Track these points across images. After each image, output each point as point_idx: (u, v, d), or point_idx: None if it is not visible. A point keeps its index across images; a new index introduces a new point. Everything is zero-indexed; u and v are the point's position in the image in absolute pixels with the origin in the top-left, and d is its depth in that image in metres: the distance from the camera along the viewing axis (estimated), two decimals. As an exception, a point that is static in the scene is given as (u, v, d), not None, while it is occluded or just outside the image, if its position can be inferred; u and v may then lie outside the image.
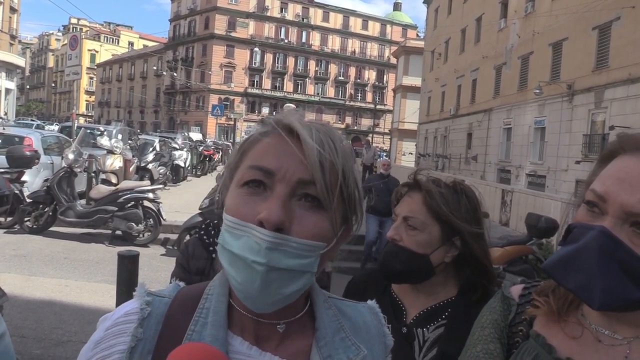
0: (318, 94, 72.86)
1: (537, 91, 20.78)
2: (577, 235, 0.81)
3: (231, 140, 32.29)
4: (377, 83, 76.34)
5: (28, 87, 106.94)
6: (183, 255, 1.94)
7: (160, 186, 10.32)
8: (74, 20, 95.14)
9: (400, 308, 1.46)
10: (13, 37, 48.74)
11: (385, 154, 44.72)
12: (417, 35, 66.08)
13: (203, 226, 2.06)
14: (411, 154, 43.20)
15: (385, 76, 76.03)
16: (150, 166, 14.28)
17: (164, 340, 0.73)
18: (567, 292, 0.89)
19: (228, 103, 61.49)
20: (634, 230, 0.76)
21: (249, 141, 0.77)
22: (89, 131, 14.24)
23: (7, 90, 44.24)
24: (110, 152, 11.64)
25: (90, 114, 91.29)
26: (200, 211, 7.71)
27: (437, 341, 1.38)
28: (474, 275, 1.43)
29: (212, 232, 1.94)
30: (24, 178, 9.34)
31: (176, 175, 16.69)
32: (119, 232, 8.74)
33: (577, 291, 0.79)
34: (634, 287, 0.75)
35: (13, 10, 47.74)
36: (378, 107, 65.14)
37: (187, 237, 7.81)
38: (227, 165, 0.80)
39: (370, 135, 55.38)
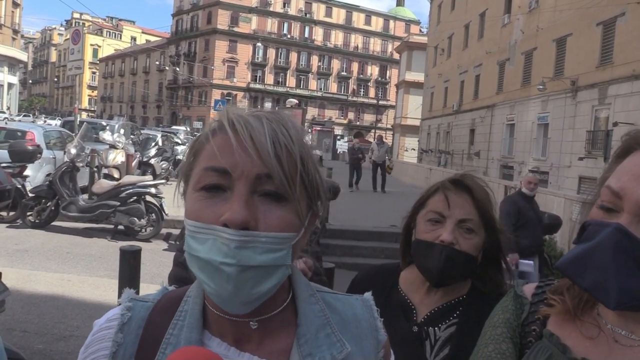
0: (321, 89, 72.78)
1: (541, 87, 20.70)
2: (592, 232, 0.78)
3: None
4: (379, 78, 76.21)
5: (30, 81, 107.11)
6: (182, 254, 1.92)
7: (163, 181, 10.31)
8: (76, 15, 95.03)
9: (409, 307, 1.44)
10: (15, 32, 48.75)
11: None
12: (420, 30, 65.97)
13: None
14: (414, 149, 43.12)
15: (388, 72, 75.88)
16: (152, 161, 14.29)
17: (145, 344, 0.74)
18: (582, 291, 0.87)
19: (230, 98, 61.47)
20: None
21: (199, 141, 0.74)
22: (91, 126, 14.22)
23: (10, 85, 44.31)
24: (113, 146, 11.65)
25: (92, 109, 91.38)
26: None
27: (449, 340, 1.36)
28: (487, 268, 1.43)
29: None
30: (26, 172, 9.35)
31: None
32: (121, 227, 8.74)
33: (592, 290, 0.77)
34: None
35: (15, 4, 47.71)
36: (381, 102, 65.04)
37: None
38: (180, 169, 0.77)
39: (373, 130, 55.33)
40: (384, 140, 18.69)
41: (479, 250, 1.38)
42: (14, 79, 45.42)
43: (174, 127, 38.17)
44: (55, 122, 29.36)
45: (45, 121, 33.85)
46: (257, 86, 67.98)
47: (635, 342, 0.81)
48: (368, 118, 71.92)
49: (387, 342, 0.85)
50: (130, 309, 0.76)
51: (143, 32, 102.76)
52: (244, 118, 0.71)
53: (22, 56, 47.51)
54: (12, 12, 46.70)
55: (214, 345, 0.74)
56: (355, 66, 75.17)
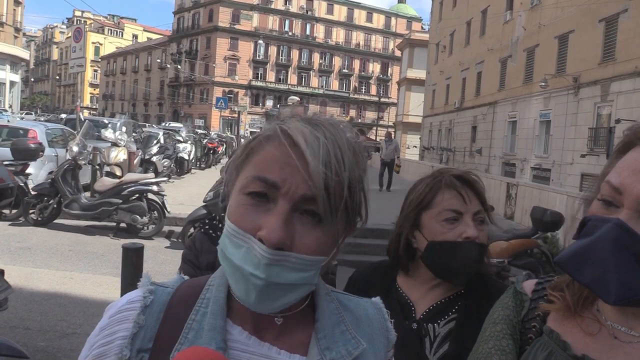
0: (322, 86, 72.70)
1: (543, 84, 20.66)
2: (591, 228, 0.78)
3: (235, 133, 32.24)
4: (381, 76, 76.10)
5: (32, 79, 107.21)
6: (191, 252, 1.92)
7: (165, 179, 10.34)
8: (78, 13, 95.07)
9: (408, 304, 1.43)
10: (17, 30, 48.78)
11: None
12: (422, 27, 65.86)
13: (207, 221, 2.04)
14: (415, 147, 43.12)
15: (389, 69, 75.77)
16: (154, 159, 14.29)
17: (165, 329, 0.74)
18: (582, 287, 0.87)
19: (232, 96, 61.47)
20: None
21: (254, 142, 0.75)
22: (93, 124, 14.24)
23: (12, 83, 44.37)
24: (115, 144, 11.66)
25: (94, 107, 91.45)
26: (204, 204, 7.71)
27: (449, 336, 1.35)
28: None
29: (220, 226, 1.91)
30: (28, 170, 9.36)
31: (180, 167, 16.71)
32: (123, 225, 8.75)
33: (591, 285, 0.76)
34: None
35: (17, 2, 47.72)
36: (382, 100, 64.98)
37: (192, 230, 7.82)
38: (233, 162, 0.78)
39: (375, 128, 55.28)
40: (393, 137, 17.59)
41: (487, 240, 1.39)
42: (16, 77, 45.46)
43: (171, 124, 37.91)
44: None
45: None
46: (259, 84, 67.94)
47: (635, 339, 0.80)
48: (370, 115, 71.85)
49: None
50: (152, 292, 0.78)
51: (144, 30, 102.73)
52: (302, 132, 0.70)
53: (24, 54, 47.56)
54: (14, 10, 46.71)
55: (235, 332, 0.75)
56: (356, 63, 75.06)
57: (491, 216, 1.44)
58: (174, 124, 37.11)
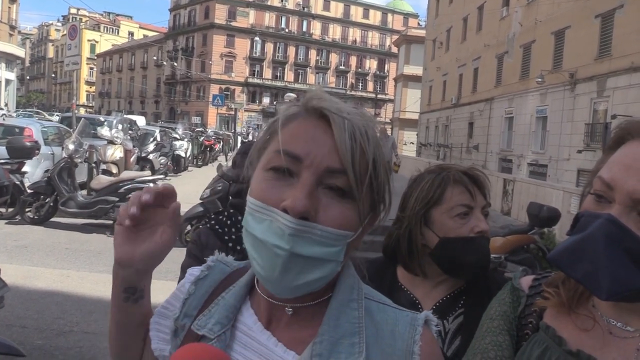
0: (319, 83, 72.47)
1: (539, 80, 20.68)
2: (584, 224, 0.79)
3: (232, 131, 32.17)
4: (378, 72, 76.07)
5: (28, 77, 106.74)
6: (196, 246, 1.92)
7: (161, 176, 10.30)
8: (73, 10, 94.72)
9: (414, 302, 1.42)
10: (12, 28, 48.56)
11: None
12: (419, 24, 65.73)
13: (213, 215, 2.03)
14: (412, 143, 43.10)
15: (386, 65, 75.73)
16: (151, 156, 14.27)
17: (209, 302, 0.81)
18: (577, 284, 0.87)
19: (229, 93, 61.36)
20: None
21: (276, 123, 0.75)
22: (89, 122, 14.20)
23: (7, 81, 44.18)
24: (111, 142, 11.63)
25: (90, 105, 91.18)
26: (201, 201, 7.70)
27: (459, 331, 1.35)
28: None
29: (228, 222, 1.90)
30: (24, 169, 9.32)
31: (177, 165, 16.69)
32: (120, 223, 8.72)
33: (584, 281, 0.77)
34: None
35: (12, 0, 47.49)
36: (379, 96, 64.99)
37: (189, 227, 7.81)
38: (255, 145, 0.78)
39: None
40: (388, 133, 16.30)
41: None
42: (12, 75, 45.28)
43: (160, 122, 37.43)
44: (54, 118, 29.29)
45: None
46: (255, 81, 67.84)
47: (630, 334, 0.81)
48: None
49: None
50: (210, 268, 0.86)
51: (140, 27, 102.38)
52: (325, 109, 0.71)
53: (20, 52, 47.36)
54: (9, 7, 46.50)
55: (247, 315, 0.79)
56: (353, 60, 75.02)
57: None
58: (164, 123, 36.76)
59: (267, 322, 0.77)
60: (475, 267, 1.35)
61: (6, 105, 34.93)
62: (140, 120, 28.61)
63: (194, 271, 0.86)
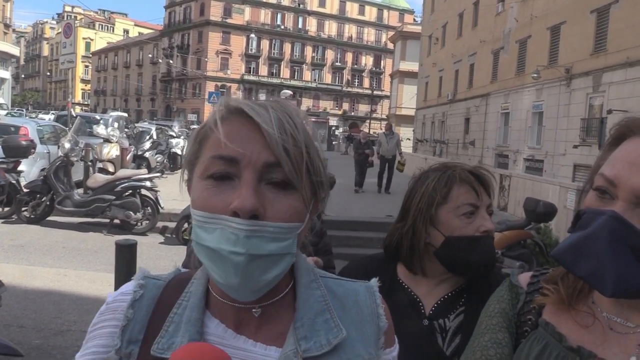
0: (315, 80, 72.57)
1: (535, 75, 20.69)
2: (587, 221, 0.78)
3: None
4: (374, 68, 76.02)
5: (23, 76, 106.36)
6: (190, 259, 1.92)
7: (158, 174, 10.28)
8: (68, 8, 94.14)
9: (415, 300, 1.42)
10: (7, 26, 48.34)
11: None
12: (414, 20, 65.78)
13: None
14: (409, 139, 43.12)
15: (382, 62, 75.69)
16: (147, 154, 14.24)
17: (154, 322, 0.76)
18: (576, 280, 0.87)
19: (225, 90, 61.25)
20: None
21: (204, 129, 0.75)
22: (85, 120, 14.15)
23: (2, 80, 44.01)
24: (107, 140, 11.60)
25: (86, 103, 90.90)
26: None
27: (459, 329, 1.35)
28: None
29: None
30: (20, 168, 9.30)
31: (173, 163, 16.66)
32: (117, 221, 8.73)
33: (588, 278, 0.76)
34: None
35: (6, -2, 47.21)
36: (375, 92, 64.94)
37: (186, 225, 7.81)
38: (186, 158, 0.78)
39: (368, 121, 55.24)
40: (394, 130, 15.15)
41: None
42: (7, 74, 45.11)
43: (146, 121, 36.83)
44: (49, 117, 29.19)
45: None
46: (251, 78, 67.72)
47: (630, 329, 0.81)
48: (363, 108, 71.80)
49: (390, 329, 0.84)
50: (143, 286, 0.79)
51: (135, 25, 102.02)
52: (249, 106, 0.71)
53: (14, 50, 47.19)
54: (3, 5, 46.28)
55: (212, 325, 0.76)
56: (349, 56, 74.93)
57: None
58: (155, 121, 36.24)
59: (236, 327, 0.76)
60: (480, 266, 1.35)
61: (1, 104, 34.73)
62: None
63: (125, 290, 0.80)
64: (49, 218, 8.94)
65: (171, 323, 0.75)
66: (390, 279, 1.46)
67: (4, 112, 31.57)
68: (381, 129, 51.98)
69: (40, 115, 33.74)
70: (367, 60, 76.13)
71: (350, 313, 0.80)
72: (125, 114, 30.55)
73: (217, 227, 0.68)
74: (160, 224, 8.94)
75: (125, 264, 3.40)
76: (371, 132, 37.10)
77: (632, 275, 0.72)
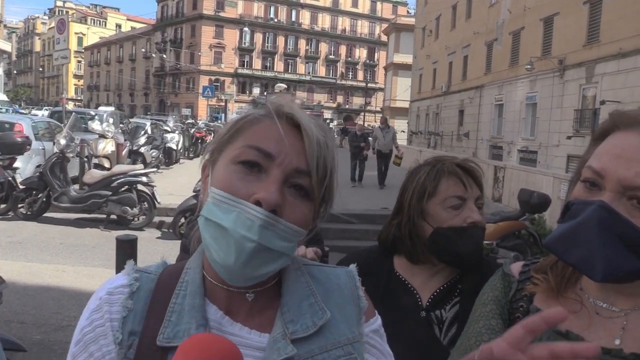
0: (309, 73, 72.40)
1: (529, 67, 20.76)
2: (576, 211, 0.83)
3: (222, 122, 32.02)
4: (368, 61, 75.90)
5: (15, 72, 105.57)
6: (190, 240, 1.94)
7: (154, 169, 10.31)
8: (59, 3, 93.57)
9: (412, 292, 1.45)
10: (-2, 21, 47.85)
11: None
12: (408, 12, 65.65)
13: None
14: (403, 131, 43.15)
15: (376, 54, 75.57)
16: (142, 149, 14.22)
17: (153, 313, 0.78)
18: (564, 269, 0.92)
19: (218, 84, 61.05)
20: (632, 204, 0.78)
21: (246, 120, 0.79)
22: (79, 116, 14.13)
23: (-6, 76, 43.58)
24: (102, 136, 11.58)
25: (79, 98, 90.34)
26: (194, 193, 7.72)
27: (455, 319, 1.39)
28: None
29: None
30: (15, 164, 9.29)
31: (169, 158, 16.64)
32: (113, 217, 8.74)
33: (579, 265, 0.81)
34: (634, 258, 0.77)
35: (-3, -7, 46.78)
36: (369, 85, 64.87)
37: (182, 220, 7.84)
38: (218, 139, 0.81)
39: (362, 113, 55.22)
40: (390, 124, 14.84)
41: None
42: (-2, 70, 44.67)
43: (150, 114, 36.62)
44: (42, 113, 29.01)
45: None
46: (245, 71, 67.50)
47: (615, 314, 0.85)
48: (357, 101, 71.73)
49: (370, 307, 0.89)
50: (138, 279, 0.81)
51: (128, 19, 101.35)
52: (297, 116, 0.77)
53: (6, 46, 46.75)
54: (-6, 1, 45.80)
55: (211, 311, 0.78)
56: (343, 49, 74.76)
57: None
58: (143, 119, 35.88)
59: (230, 313, 0.79)
60: (467, 257, 1.38)
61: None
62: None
63: (120, 283, 0.80)
64: (46, 214, 8.94)
65: (173, 312, 0.76)
66: (388, 271, 1.50)
67: (10, 108, 31.36)
68: (376, 121, 51.70)
69: (34, 112, 33.56)
70: (360, 53, 75.99)
71: (333, 296, 0.85)
72: (112, 109, 30.39)
73: (235, 209, 0.72)
74: (157, 219, 8.96)
75: (125, 259, 3.42)
76: (365, 125, 37.04)
77: (620, 260, 0.77)
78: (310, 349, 0.77)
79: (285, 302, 0.80)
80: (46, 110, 31.53)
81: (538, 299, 0.94)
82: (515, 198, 7.85)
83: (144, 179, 8.75)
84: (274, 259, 0.74)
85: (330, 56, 73.63)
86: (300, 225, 0.76)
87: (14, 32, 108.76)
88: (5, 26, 65.43)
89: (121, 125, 16.34)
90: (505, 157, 23.61)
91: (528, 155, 22.02)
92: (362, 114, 55.95)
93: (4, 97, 38.46)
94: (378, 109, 60.82)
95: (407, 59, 44.27)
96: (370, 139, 14.14)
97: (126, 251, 3.41)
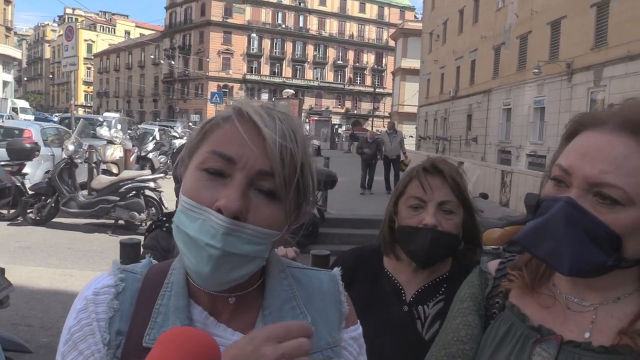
0: (317, 78, 72.59)
1: (536, 71, 20.68)
2: (545, 207, 0.86)
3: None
4: (376, 66, 75.99)
5: (25, 79, 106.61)
6: (158, 252, 1.95)
7: (161, 175, 10.34)
8: (69, 10, 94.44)
9: (397, 287, 1.51)
10: (8, 29, 48.42)
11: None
12: (415, 17, 65.61)
13: (165, 218, 2.07)
14: (411, 137, 43.11)
15: (384, 59, 75.66)
16: (150, 155, 14.34)
17: (139, 313, 0.78)
18: (538, 266, 0.94)
19: (227, 90, 61.30)
20: (597, 200, 0.81)
21: (210, 124, 0.79)
22: (88, 122, 14.24)
23: (5, 83, 44.11)
24: (110, 142, 11.68)
25: (89, 105, 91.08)
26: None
27: (438, 316, 1.43)
28: (468, 245, 1.51)
29: None
30: (25, 170, 9.39)
31: (177, 163, 16.70)
32: (121, 222, 8.80)
33: (547, 259, 0.84)
34: (599, 251, 0.80)
35: (7, 1, 47.37)
36: (377, 90, 64.90)
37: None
38: (187, 144, 0.82)
39: (371, 119, 55.20)
40: (398, 129, 14.56)
41: (459, 229, 1.45)
42: (9, 77, 45.20)
43: (159, 120, 37.08)
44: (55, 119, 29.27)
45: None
46: (253, 77, 67.79)
47: (585, 308, 0.88)
48: (365, 106, 71.78)
49: (352, 313, 0.90)
50: (123, 280, 0.81)
51: (137, 26, 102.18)
52: (259, 113, 0.76)
53: (16, 53, 47.27)
54: (4, 9, 46.38)
55: (196, 312, 0.79)
56: (351, 54, 74.92)
57: (474, 205, 1.50)
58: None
59: (214, 314, 0.80)
60: (416, 256, 1.43)
61: (15, 109, 34.54)
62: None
63: (106, 283, 0.81)
64: (54, 220, 9.02)
65: (158, 314, 0.77)
66: (377, 267, 1.56)
67: (30, 116, 31.66)
68: (384, 126, 51.67)
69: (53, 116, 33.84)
70: (368, 58, 76.11)
71: (315, 300, 0.86)
72: (118, 115, 30.55)
73: (200, 217, 0.72)
74: (164, 224, 8.99)
75: (129, 263, 3.45)
76: (374, 130, 37.05)
77: (586, 254, 0.80)
78: None
79: (267, 305, 0.81)
80: (56, 116, 31.80)
81: (513, 295, 0.97)
82: (522, 202, 7.81)
83: (152, 184, 8.81)
84: (245, 262, 0.74)
85: (338, 61, 73.79)
86: (269, 226, 0.74)
87: (24, 39, 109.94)
88: (15, 33, 66.16)
89: (129, 131, 16.44)
90: (513, 161, 23.51)
91: (537, 159, 21.90)
92: (371, 119, 55.95)
93: (26, 104, 38.90)
94: (386, 114, 60.79)
95: (414, 63, 44.27)
96: (383, 147, 13.69)
97: (130, 255, 3.43)
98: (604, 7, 17.81)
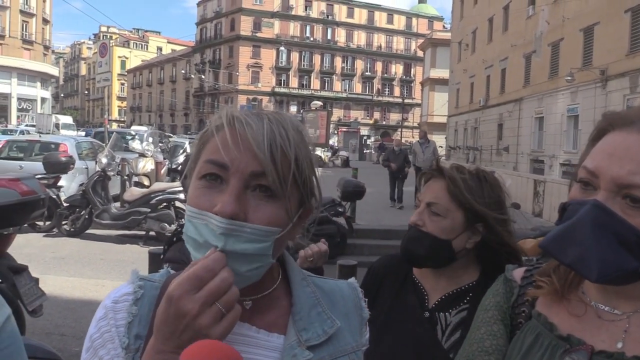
0: (345, 90, 72.75)
1: (569, 78, 20.27)
2: (571, 211, 0.81)
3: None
4: (404, 77, 75.78)
5: (62, 95, 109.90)
6: (181, 266, 1.96)
7: (191, 187, 10.48)
8: (103, 28, 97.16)
9: (422, 293, 1.50)
10: (46, 48, 50.08)
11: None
12: (444, 26, 65.31)
13: (181, 229, 2.08)
14: (441, 147, 42.71)
15: (412, 69, 75.40)
16: (180, 168, 14.51)
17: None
18: (567, 271, 0.90)
19: (256, 103, 61.99)
20: (627, 202, 0.76)
21: (205, 135, 0.82)
22: (120, 136, 14.56)
23: (43, 100, 45.54)
24: (142, 155, 11.90)
25: (122, 119, 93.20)
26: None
27: (460, 325, 1.40)
28: (503, 258, 1.44)
29: None
30: (60, 183, 9.63)
31: (207, 176, 16.91)
32: (152, 233, 8.93)
33: (574, 265, 0.79)
34: (629, 257, 0.75)
35: (45, 21, 49.03)
36: (406, 101, 64.65)
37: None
38: (190, 157, 0.85)
39: (399, 129, 54.96)
40: (430, 138, 14.03)
41: (451, 234, 1.41)
42: (47, 94, 46.70)
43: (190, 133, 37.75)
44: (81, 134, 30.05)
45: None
46: (282, 90, 68.38)
47: (618, 317, 0.83)
48: (394, 117, 71.55)
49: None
50: (142, 287, 0.83)
51: (168, 42, 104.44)
52: (245, 118, 0.78)
53: (54, 71, 48.82)
54: (43, 28, 47.99)
55: None
56: (379, 66, 74.92)
57: (480, 212, 1.41)
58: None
59: None
60: (404, 253, 1.47)
61: (57, 124, 35.40)
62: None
63: (124, 291, 0.82)
64: (88, 231, 9.21)
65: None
66: (406, 274, 1.56)
67: (73, 131, 32.51)
68: (413, 137, 51.10)
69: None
70: (397, 69, 75.98)
71: (338, 306, 0.90)
72: (146, 128, 31.06)
73: (202, 222, 0.75)
74: (194, 235, 9.08)
75: (157, 272, 3.48)
76: (402, 141, 36.86)
77: (615, 260, 0.75)
78: (321, 356, 0.82)
79: (296, 311, 0.84)
80: (85, 130, 32.59)
81: (540, 303, 0.93)
82: (556, 212, 7.63)
83: (182, 196, 8.90)
84: (249, 260, 0.75)
85: (367, 73, 73.87)
86: (269, 224, 0.76)
87: (61, 57, 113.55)
88: (53, 52, 68.29)
89: (160, 144, 16.72)
90: (547, 171, 23.03)
91: (571, 169, 21.39)
92: (400, 129, 55.71)
93: (69, 120, 40.02)
94: (415, 124, 60.44)
95: (443, 73, 43.98)
96: (410, 156, 13.33)
97: (159, 265, 3.46)
98: (638, 12, 17.40)
